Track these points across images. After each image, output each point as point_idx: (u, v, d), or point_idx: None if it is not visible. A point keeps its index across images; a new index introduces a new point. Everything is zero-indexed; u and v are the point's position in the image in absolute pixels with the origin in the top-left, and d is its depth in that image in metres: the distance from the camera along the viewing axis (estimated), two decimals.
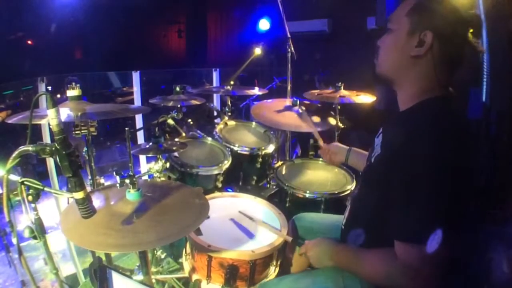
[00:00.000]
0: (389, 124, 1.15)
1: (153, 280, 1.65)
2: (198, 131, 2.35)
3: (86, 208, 0.92)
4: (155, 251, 1.87)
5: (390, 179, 0.95)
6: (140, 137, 3.25)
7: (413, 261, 0.89)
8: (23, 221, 1.02)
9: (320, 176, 2.11)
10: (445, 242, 0.84)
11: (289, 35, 2.64)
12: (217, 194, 1.77)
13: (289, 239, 1.40)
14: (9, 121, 1.37)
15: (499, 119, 1.86)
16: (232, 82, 2.53)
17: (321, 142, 1.77)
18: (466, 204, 0.93)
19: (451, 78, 1.03)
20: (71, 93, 1.50)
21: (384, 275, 0.97)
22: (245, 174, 2.23)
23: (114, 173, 1.21)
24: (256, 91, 2.75)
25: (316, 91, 2.48)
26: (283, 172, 2.11)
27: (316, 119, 2.17)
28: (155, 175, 1.83)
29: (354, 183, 1.95)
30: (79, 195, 0.90)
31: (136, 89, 3.41)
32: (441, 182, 0.87)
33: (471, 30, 0.99)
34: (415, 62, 1.01)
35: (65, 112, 1.39)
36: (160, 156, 1.80)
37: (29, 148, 0.90)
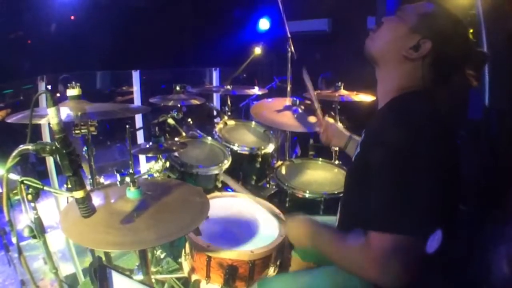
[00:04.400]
0: (369, 123, 1.15)
1: (153, 280, 1.65)
2: (198, 131, 2.35)
3: (86, 207, 0.92)
4: (155, 251, 1.87)
5: (365, 174, 0.93)
6: (140, 136, 3.25)
7: (385, 251, 0.83)
8: (23, 220, 1.02)
9: (320, 176, 2.11)
10: (417, 233, 0.81)
11: (289, 35, 2.64)
12: (216, 194, 1.77)
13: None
14: (9, 121, 1.36)
15: (499, 119, 1.86)
16: (229, 87, 2.52)
17: (319, 115, 1.63)
18: (443, 197, 0.88)
19: (436, 85, 1.01)
20: (71, 92, 1.50)
21: (356, 265, 0.92)
22: (244, 174, 2.23)
23: (115, 171, 1.21)
24: (256, 90, 2.75)
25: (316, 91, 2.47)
26: (283, 172, 2.11)
27: (314, 119, 2.17)
28: (155, 174, 1.82)
29: None
30: (79, 194, 0.90)
31: (136, 88, 3.40)
32: (409, 171, 0.84)
33: (472, 64, 0.99)
34: (403, 61, 1.00)
35: (65, 112, 1.39)
36: (160, 156, 1.80)
37: (29, 147, 0.90)
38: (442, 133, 0.92)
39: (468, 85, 1.03)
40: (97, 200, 1.17)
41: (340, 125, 1.60)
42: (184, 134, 2.24)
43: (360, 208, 1.04)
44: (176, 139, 2.12)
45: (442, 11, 1.00)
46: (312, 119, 2.18)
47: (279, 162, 2.25)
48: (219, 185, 2.04)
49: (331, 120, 1.62)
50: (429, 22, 0.98)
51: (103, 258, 1.65)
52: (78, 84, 1.52)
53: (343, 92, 2.38)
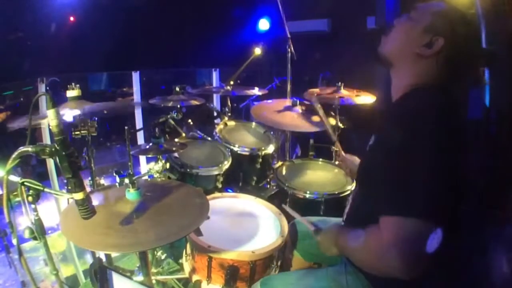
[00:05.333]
0: (383, 116, 1.16)
1: (153, 281, 1.65)
2: (198, 132, 2.35)
3: (86, 208, 0.92)
4: (155, 252, 1.87)
5: (383, 164, 0.95)
6: (140, 137, 3.25)
7: (396, 234, 0.84)
8: (23, 222, 1.02)
9: (320, 176, 2.11)
10: (426, 221, 0.82)
11: (289, 35, 2.64)
12: (217, 194, 1.77)
13: (311, 227, 1.31)
14: (10, 125, 1.37)
15: (499, 119, 1.86)
16: (232, 82, 2.53)
17: (340, 151, 1.74)
18: (448, 190, 0.89)
19: (450, 80, 1.03)
20: (70, 93, 1.50)
21: (375, 256, 0.91)
22: (245, 174, 2.23)
23: (114, 172, 1.21)
24: (256, 91, 2.75)
25: (315, 90, 2.47)
26: (283, 173, 2.11)
27: (316, 118, 2.17)
28: (155, 175, 1.82)
29: (354, 184, 1.95)
30: (79, 195, 0.90)
31: (136, 89, 3.40)
32: (422, 159, 0.85)
33: (485, 63, 1.01)
34: (416, 59, 1.02)
35: (65, 113, 1.39)
36: (160, 157, 1.80)
37: (29, 149, 0.90)
38: (449, 128, 0.92)
39: (480, 82, 1.04)
40: (96, 201, 1.17)
41: (354, 157, 1.65)
42: (184, 134, 2.24)
43: (372, 200, 1.04)
44: (176, 140, 2.12)
45: (453, 10, 1.02)
46: (314, 118, 2.19)
47: (280, 163, 2.24)
48: (219, 185, 2.04)
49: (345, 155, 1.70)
50: (441, 20, 1.00)
51: (104, 259, 1.66)
52: (77, 85, 1.53)
53: (343, 92, 2.38)
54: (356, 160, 1.63)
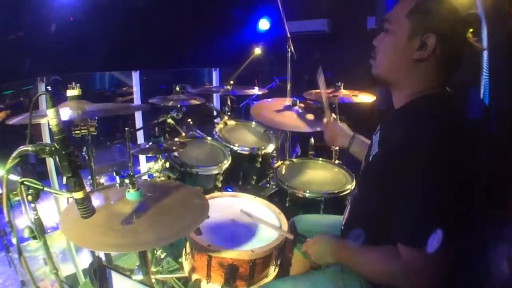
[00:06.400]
0: (386, 122, 1.13)
1: (153, 280, 1.65)
2: (198, 131, 2.35)
3: (86, 208, 0.92)
4: (155, 251, 1.87)
5: (389, 178, 0.94)
6: (140, 137, 3.26)
7: (416, 263, 0.87)
8: (23, 221, 1.02)
9: (320, 175, 2.11)
10: (448, 244, 0.83)
11: (289, 35, 2.64)
12: (217, 193, 1.77)
13: (290, 236, 1.39)
14: (10, 123, 1.37)
15: (499, 119, 1.86)
16: (232, 82, 2.53)
17: (327, 115, 1.65)
18: (468, 203, 0.90)
19: (450, 77, 1.01)
20: (71, 92, 1.50)
21: (385, 273, 0.96)
22: (245, 173, 2.23)
23: (114, 173, 1.21)
24: (256, 90, 2.75)
25: (315, 91, 2.47)
26: (283, 172, 2.11)
27: (312, 116, 2.17)
28: (155, 174, 1.83)
29: (354, 183, 1.96)
30: (79, 195, 0.90)
31: (136, 89, 3.40)
32: (441, 182, 0.85)
33: (471, 30, 0.97)
34: (416, 65, 0.98)
35: (65, 112, 1.39)
36: (160, 156, 1.80)
37: (29, 148, 0.90)
38: (465, 136, 0.92)
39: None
40: (96, 201, 1.17)
41: (344, 124, 1.60)
42: (184, 134, 2.25)
43: (373, 209, 1.05)
44: (176, 139, 2.12)
45: (424, 1, 0.96)
46: (309, 116, 2.18)
47: (279, 162, 2.25)
48: (219, 185, 2.04)
49: (336, 121, 1.63)
50: (421, 16, 0.95)
51: (103, 259, 1.66)
52: (78, 84, 1.53)
53: (343, 92, 2.38)
54: (344, 127, 1.56)
